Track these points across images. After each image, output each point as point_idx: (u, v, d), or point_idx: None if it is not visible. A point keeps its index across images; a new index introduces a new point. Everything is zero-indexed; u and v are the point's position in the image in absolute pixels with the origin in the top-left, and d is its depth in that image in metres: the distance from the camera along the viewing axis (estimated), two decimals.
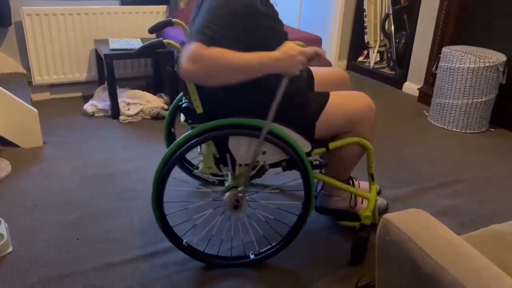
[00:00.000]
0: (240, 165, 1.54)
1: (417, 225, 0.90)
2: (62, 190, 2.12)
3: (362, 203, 1.85)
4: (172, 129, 2.02)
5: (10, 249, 1.70)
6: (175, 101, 1.96)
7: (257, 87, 1.45)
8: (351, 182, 1.86)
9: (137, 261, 1.67)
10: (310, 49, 1.40)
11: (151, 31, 1.71)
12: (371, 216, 1.67)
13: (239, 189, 1.54)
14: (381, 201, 1.96)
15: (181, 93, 1.93)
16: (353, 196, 1.83)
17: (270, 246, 1.68)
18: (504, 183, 2.36)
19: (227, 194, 1.55)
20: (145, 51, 1.55)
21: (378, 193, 2.04)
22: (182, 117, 1.58)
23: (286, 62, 1.31)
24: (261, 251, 1.68)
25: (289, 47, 1.32)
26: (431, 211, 2.03)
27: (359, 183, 1.96)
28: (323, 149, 1.61)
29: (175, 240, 1.60)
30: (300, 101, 1.56)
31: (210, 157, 1.53)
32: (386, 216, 0.95)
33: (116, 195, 2.10)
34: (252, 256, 1.67)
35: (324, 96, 1.60)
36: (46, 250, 1.71)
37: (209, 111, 1.49)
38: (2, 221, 1.79)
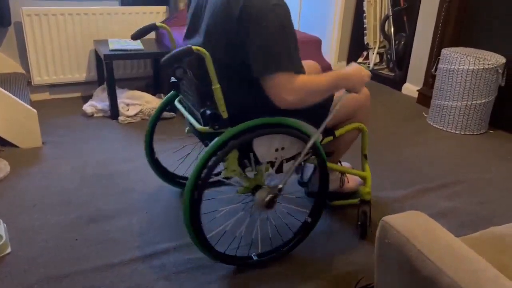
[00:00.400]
0: (261, 163, 1.57)
1: (416, 228, 0.90)
2: (61, 190, 2.12)
3: (348, 182, 2.02)
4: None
5: (9, 250, 1.69)
6: (157, 111, 1.94)
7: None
8: (339, 164, 1.99)
9: (136, 262, 1.67)
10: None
11: (134, 37, 1.64)
12: (370, 191, 1.85)
13: (280, 186, 1.57)
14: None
15: (165, 99, 1.91)
16: (341, 176, 1.98)
17: (271, 249, 1.70)
18: (503, 184, 2.36)
19: (260, 193, 1.57)
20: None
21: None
22: (197, 124, 1.57)
23: (356, 80, 1.54)
24: (261, 253, 1.69)
25: (359, 68, 1.56)
26: (430, 213, 2.03)
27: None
28: (331, 137, 1.73)
29: (208, 247, 1.58)
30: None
31: (235, 160, 1.53)
32: (385, 218, 0.95)
33: (115, 195, 2.10)
34: (255, 258, 1.67)
35: None
36: (45, 251, 1.71)
37: (232, 115, 1.48)
38: (1, 221, 1.79)
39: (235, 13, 1.36)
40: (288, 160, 1.63)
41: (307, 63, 1.99)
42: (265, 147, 1.53)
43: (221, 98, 1.43)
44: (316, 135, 1.56)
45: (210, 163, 1.45)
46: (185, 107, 1.78)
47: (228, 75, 1.43)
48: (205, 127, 1.50)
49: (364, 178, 1.87)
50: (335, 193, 2.02)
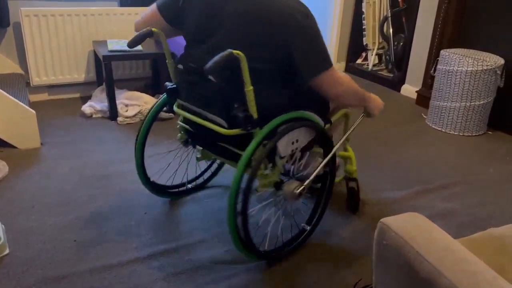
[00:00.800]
0: (283, 157, 1.61)
1: (414, 229, 0.90)
2: (59, 191, 2.12)
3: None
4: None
5: (7, 251, 1.69)
6: (152, 112, 1.88)
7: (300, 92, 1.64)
8: None
9: (135, 263, 1.67)
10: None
11: (131, 45, 1.62)
12: (356, 169, 2.02)
13: (311, 178, 1.65)
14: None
15: (156, 107, 1.87)
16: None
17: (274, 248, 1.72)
18: (502, 186, 2.36)
19: (288, 186, 1.63)
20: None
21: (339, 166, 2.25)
22: (180, 135, 1.70)
23: (375, 105, 1.80)
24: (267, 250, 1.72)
25: (377, 97, 1.83)
26: (428, 214, 2.03)
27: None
28: (329, 124, 1.82)
29: (256, 252, 1.63)
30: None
31: (264, 162, 1.57)
32: (383, 220, 0.95)
33: (114, 196, 2.09)
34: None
35: None
36: (43, 252, 1.70)
37: (261, 115, 1.53)
38: None
39: (272, 22, 1.44)
40: (301, 151, 1.70)
41: None
42: (285, 141, 1.58)
43: (253, 99, 1.47)
44: (336, 147, 1.76)
45: (253, 163, 1.49)
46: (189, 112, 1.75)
47: (256, 78, 1.46)
48: (233, 130, 1.53)
49: (349, 158, 2.04)
50: (319, 176, 1.99)
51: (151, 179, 1.99)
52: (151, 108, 1.89)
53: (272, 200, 1.69)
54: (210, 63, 1.35)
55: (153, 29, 1.62)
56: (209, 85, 1.52)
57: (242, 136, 1.53)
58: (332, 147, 1.76)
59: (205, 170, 2.26)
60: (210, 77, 1.49)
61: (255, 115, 1.50)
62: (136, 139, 1.89)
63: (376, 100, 1.81)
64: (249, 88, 1.45)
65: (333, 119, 1.87)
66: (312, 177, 1.66)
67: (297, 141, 1.63)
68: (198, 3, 1.56)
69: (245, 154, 1.49)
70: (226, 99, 1.52)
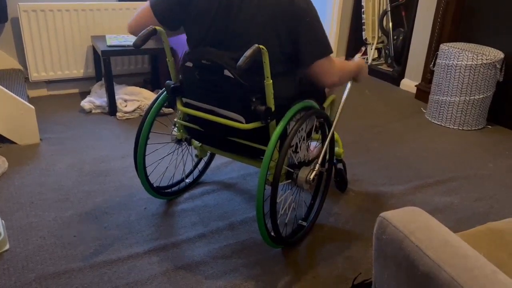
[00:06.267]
0: (292, 145, 1.65)
1: (413, 224, 0.90)
2: (59, 187, 2.12)
3: (312, 150, 2.05)
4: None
5: (7, 247, 1.69)
6: (154, 108, 1.81)
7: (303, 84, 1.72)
8: None
9: (134, 259, 1.67)
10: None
11: (137, 45, 1.59)
12: (343, 151, 2.14)
13: (319, 163, 1.71)
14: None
15: (157, 104, 1.82)
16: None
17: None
18: (501, 180, 2.37)
19: (302, 172, 1.67)
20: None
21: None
22: (178, 134, 1.79)
23: (364, 72, 1.86)
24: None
25: (363, 61, 1.86)
26: (427, 208, 2.03)
27: None
28: (323, 110, 1.88)
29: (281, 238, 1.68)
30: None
31: (276, 153, 1.58)
32: (382, 214, 0.95)
33: (113, 192, 2.10)
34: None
35: None
36: (43, 247, 1.71)
37: (276, 106, 1.56)
38: None
39: (285, 12, 1.49)
40: (305, 139, 1.75)
41: None
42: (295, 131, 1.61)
43: (272, 92, 1.51)
44: (332, 130, 1.79)
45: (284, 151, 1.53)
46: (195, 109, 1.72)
47: (273, 71, 1.49)
48: (252, 124, 1.55)
49: (336, 141, 2.10)
50: (305, 162, 1.96)
51: (153, 184, 1.96)
52: (149, 108, 1.81)
53: (289, 191, 1.78)
54: (241, 59, 1.36)
55: (156, 27, 1.61)
56: (225, 81, 1.52)
57: (259, 130, 1.56)
58: (333, 131, 1.82)
59: (194, 169, 2.25)
60: (227, 73, 1.50)
61: (273, 108, 1.53)
62: (137, 143, 1.81)
63: (361, 65, 1.84)
64: (269, 82, 1.48)
65: (325, 104, 1.93)
66: (320, 159, 1.71)
67: (301, 129, 1.67)
68: (209, 3, 1.54)
69: (270, 147, 1.52)
70: (244, 94, 1.52)
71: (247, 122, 1.56)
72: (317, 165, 1.69)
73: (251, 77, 1.49)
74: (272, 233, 1.63)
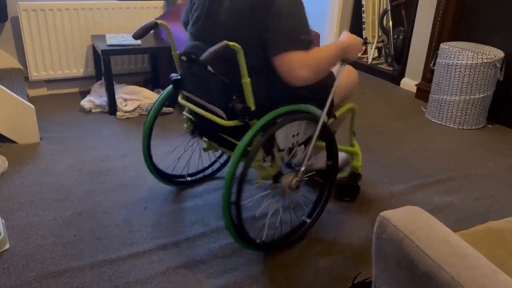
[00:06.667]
0: (282, 150, 1.62)
1: (413, 223, 0.90)
2: (59, 186, 2.12)
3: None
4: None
5: (7, 246, 1.69)
6: (155, 108, 1.89)
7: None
8: None
9: (134, 258, 1.67)
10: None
11: (136, 36, 1.62)
12: (361, 165, 2.07)
13: (302, 169, 1.64)
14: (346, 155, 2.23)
15: (162, 96, 1.88)
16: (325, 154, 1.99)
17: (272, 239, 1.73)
18: (501, 179, 2.37)
19: (285, 178, 1.64)
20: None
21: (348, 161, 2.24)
22: (186, 125, 1.73)
23: (353, 50, 1.63)
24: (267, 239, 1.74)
25: (353, 36, 1.63)
26: (427, 208, 2.03)
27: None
28: (333, 118, 1.82)
29: (250, 241, 1.64)
30: (326, 82, 1.70)
31: (260, 153, 1.57)
32: (382, 213, 0.95)
33: (113, 191, 2.10)
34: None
35: (333, 75, 1.78)
36: (43, 247, 1.71)
37: (258, 107, 1.53)
38: None
39: (258, 4, 1.43)
40: (300, 144, 1.70)
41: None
42: (284, 135, 1.58)
43: (251, 91, 1.48)
44: (323, 115, 1.63)
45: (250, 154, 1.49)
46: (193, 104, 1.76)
47: (254, 69, 1.46)
48: (232, 121, 1.54)
49: (355, 154, 2.06)
50: (322, 171, 1.94)
51: (160, 168, 2.04)
52: (158, 98, 1.90)
53: (270, 192, 1.70)
54: (205, 53, 1.36)
55: (157, 21, 1.63)
56: (210, 76, 1.53)
57: (241, 128, 1.54)
58: (334, 141, 1.75)
59: (215, 161, 2.26)
60: (209, 68, 1.50)
61: (252, 107, 1.50)
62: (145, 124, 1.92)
63: (353, 43, 1.63)
64: (246, 80, 1.45)
65: (337, 113, 1.85)
66: (303, 168, 1.64)
67: (297, 134, 1.64)
68: None
69: (240, 144, 1.50)
70: (226, 91, 1.52)
71: (228, 119, 1.55)
72: (300, 172, 1.64)
73: (233, 75, 1.46)
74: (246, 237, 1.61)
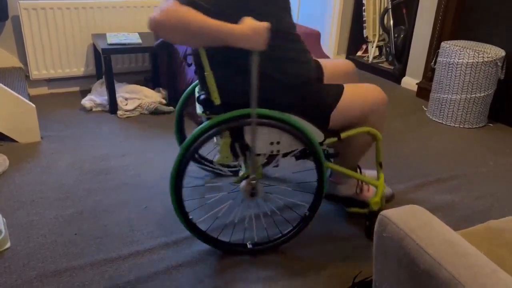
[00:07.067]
0: (259, 154, 1.59)
1: (414, 221, 0.90)
2: (59, 185, 2.12)
3: (368, 191, 1.93)
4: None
5: (8, 245, 1.70)
6: (184, 94, 1.96)
7: (268, 79, 1.50)
8: (358, 170, 1.90)
9: (135, 257, 1.67)
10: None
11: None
12: (379, 202, 1.74)
13: (251, 177, 1.59)
14: (387, 189, 2.03)
15: (191, 86, 1.94)
16: (359, 183, 1.91)
17: (280, 235, 1.72)
18: (502, 178, 2.36)
19: (243, 182, 1.61)
20: (162, 45, 1.58)
21: (392, 196, 2.06)
22: (199, 109, 1.62)
23: (254, 37, 1.33)
24: (257, 242, 1.72)
25: (255, 25, 1.33)
26: (428, 207, 2.03)
27: (364, 172, 2.02)
28: (335, 139, 1.65)
29: (200, 233, 1.66)
30: (314, 90, 1.61)
31: (227, 147, 1.57)
32: (383, 212, 0.95)
33: (114, 190, 2.10)
34: (249, 246, 1.70)
35: (339, 88, 1.64)
36: (44, 245, 1.71)
37: (227, 102, 1.51)
38: (0, 216, 1.78)
39: None
40: (284, 155, 1.64)
41: (337, 62, 1.94)
42: (259, 139, 1.54)
43: (213, 84, 1.46)
44: (253, 114, 1.48)
45: (190, 151, 1.51)
46: None
47: (224, 63, 1.46)
48: (203, 113, 1.56)
49: (375, 187, 1.79)
50: (351, 199, 1.94)
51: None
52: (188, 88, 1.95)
53: (235, 194, 1.71)
54: (157, 42, 1.42)
55: None
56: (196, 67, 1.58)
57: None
58: (322, 165, 1.59)
59: None
60: (193, 59, 1.53)
61: (216, 101, 1.49)
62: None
63: (254, 33, 1.33)
64: (207, 72, 1.45)
65: (344, 134, 1.66)
66: (253, 175, 1.58)
67: (278, 143, 1.57)
68: None
69: (189, 137, 1.52)
70: (201, 82, 1.57)
71: (202, 112, 1.59)
72: (252, 177, 1.59)
73: (201, 67, 1.48)
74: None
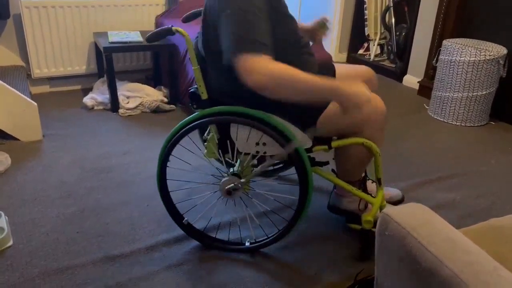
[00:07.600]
0: (241, 153, 1.58)
1: (416, 220, 0.90)
2: (61, 183, 2.12)
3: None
4: None
5: (11, 243, 1.70)
6: None
7: None
8: (362, 184, 1.79)
9: (137, 254, 1.67)
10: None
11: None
12: (372, 221, 1.60)
13: (242, 181, 1.59)
14: (396, 192, 2.02)
15: None
16: (364, 201, 1.76)
17: (266, 237, 1.69)
18: (503, 176, 2.36)
19: (224, 179, 1.61)
20: (153, 38, 1.57)
21: (402, 199, 2.02)
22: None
23: (352, 103, 1.33)
24: (257, 240, 1.71)
25: (362, 90, 1.32)
26: (430, 205, 2.03)
27: (387, 189, 2.00)
28: (325, 147, 1.58)
29: (177, 217, 1.70)
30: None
31: (214, 142, 1.60)
32: (385, 210, 0.95)
33: (115, 188, 2.10)
34: (247, 244, 1.70)
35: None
36: (46, 243, 1.71)
37: (214, 98, 1.56)
38: (3, 214, 1.79)
39: (215, 3, 1.39)
40: (273, 157, 1.58)
41: (358, 68, 1.89)
42: (243, 138, 1.54)
43: (200, 79, 1.52)
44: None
45: (174, 139, 1.57)
46: None
47: (214, 60, 1.49)
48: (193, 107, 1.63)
49: (370, 204, 1.69)
50: (353, 214, 1.80)
51: None
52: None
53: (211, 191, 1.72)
54: (149, 34, 1.51)
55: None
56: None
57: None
58: (306, 172, 1.50)
59: None
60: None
61: (203, 96, 1.54)
62: None
63: (356, 96, 1.32)
64: (194, 67, 1.51)
65: (335, 143, 1.58)
66: (243, 180, 1.57)
67: (264, 144, 1.52)
68: None
69: (173, 129, 1.57)
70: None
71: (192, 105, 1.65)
72: (240, 181, 1.58)
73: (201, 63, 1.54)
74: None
